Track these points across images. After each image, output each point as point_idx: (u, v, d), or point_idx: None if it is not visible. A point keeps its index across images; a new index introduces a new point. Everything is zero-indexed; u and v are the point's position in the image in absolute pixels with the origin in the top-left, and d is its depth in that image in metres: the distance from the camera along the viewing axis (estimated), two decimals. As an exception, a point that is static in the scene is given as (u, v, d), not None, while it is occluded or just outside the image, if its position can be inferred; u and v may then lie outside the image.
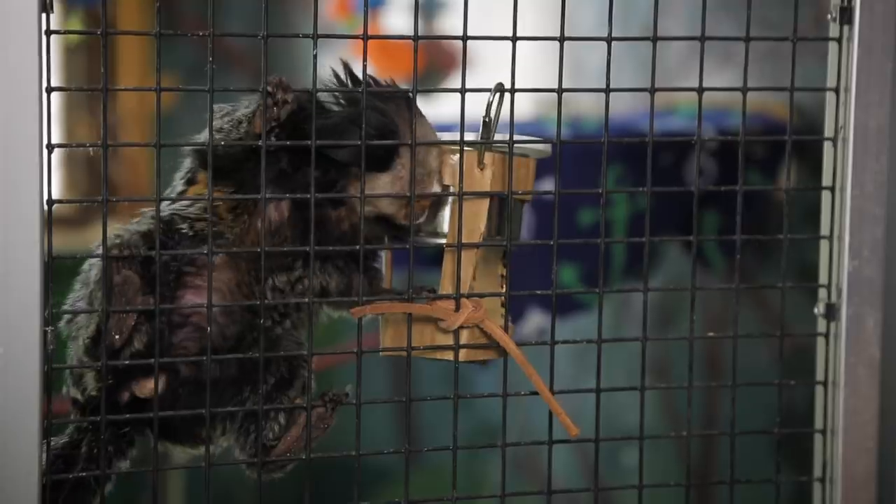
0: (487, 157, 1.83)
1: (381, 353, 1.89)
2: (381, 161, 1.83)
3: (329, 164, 1.81)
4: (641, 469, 1.91)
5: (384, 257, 1.94)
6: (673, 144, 3.62)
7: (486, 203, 1.84)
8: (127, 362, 1.77)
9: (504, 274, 1.91)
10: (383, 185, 1.83)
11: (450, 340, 1.84)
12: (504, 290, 1.90)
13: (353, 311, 1.82)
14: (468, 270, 1.84)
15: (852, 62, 1.85)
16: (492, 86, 1.81)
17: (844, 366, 1.89)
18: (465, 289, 1.84)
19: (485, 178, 1.83)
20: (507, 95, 1.79)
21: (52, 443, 1.71)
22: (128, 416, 1.81)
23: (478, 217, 1.84)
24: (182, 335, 1.86)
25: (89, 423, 1.85)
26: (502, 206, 1.87)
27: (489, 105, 1.81)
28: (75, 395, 1.86)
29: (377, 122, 1.81)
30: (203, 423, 1.83)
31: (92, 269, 1.83)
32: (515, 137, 1.81)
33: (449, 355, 1.84)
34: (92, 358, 1.78)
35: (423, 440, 4.60)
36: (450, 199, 1.86)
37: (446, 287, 1.85)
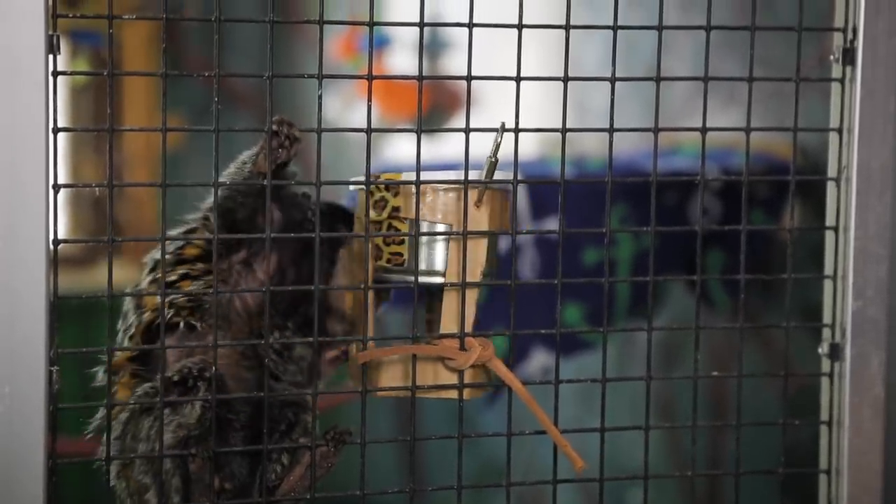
0: (474, 194, 1.82)
1: (380, 394, 1.88)
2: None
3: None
4: (646, 509, 1.91)
5: (370, 309, 1.94)
6: (677, 184, 3.62)
7: (484, 241, 1.84)
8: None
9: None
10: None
11: (450, 379, 1.84)
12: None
13: (360, 356, 1.82)
14: (471, 309, 1.84)
15: (855, 102, 1.86)
16: (496, 125, 1.81)
17: (849, 405, 1.89)
18: (457, 328, 1.84)
19: (483, 216, 1.83)
20: (510, 134, 1.80)
21: None
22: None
23: (477, 254, 1.84)
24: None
25: None
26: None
27: (497, 145, 1.80)
28: None
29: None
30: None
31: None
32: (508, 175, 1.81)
33: (451, 394, 1.84)
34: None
35: (428, 479, 4.58)
36: (441, 237, 1.85)
37: (447, 326, 1.85)
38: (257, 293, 1.93)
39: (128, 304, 1.96)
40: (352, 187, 1.90)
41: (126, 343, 1.94)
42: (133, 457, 1.84)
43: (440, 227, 1.84)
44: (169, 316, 1.90)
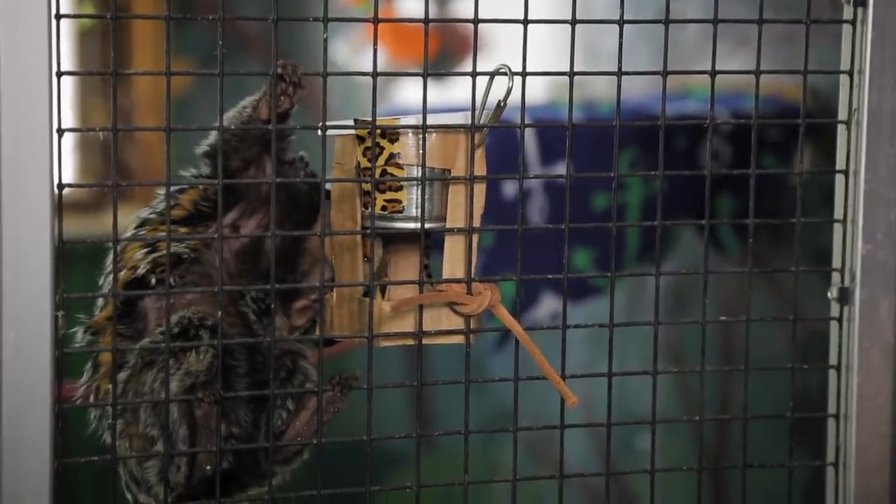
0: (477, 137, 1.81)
1: (384, 343, 1.86)
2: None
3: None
4: (653, 454, 1.91)
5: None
6: (687, 128, 3.60)
7: (484, 185, 1.83)
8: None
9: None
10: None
11: (455, 324, 1.83)
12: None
13: (392, 306, 1.80)
14: (474, 254, 1.83)
15: (866, 45, 1.84)
16: (504, 69, 1.79)
17: (858, 350, 1.88)
18: (461, 273, 1.83)
19: (482, 159, 1.81)
20: (518, 78, 1.78)
21: None
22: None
23: (478, 199, 1.82)
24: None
25: None
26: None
27: (508, 90, 1.78)
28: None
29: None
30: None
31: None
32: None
33: (455, 338, 1.83)
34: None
35: (438, 426, 4.59)
36: (437, 182, 1.83)
37: (451, 271, 1.83)
38: (237, 256, 1.92)
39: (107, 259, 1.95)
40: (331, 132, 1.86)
41: (103, 303, 1.93)
42: (140, 402, 1.84)
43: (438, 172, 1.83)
44: (146, 272, 1.90)
